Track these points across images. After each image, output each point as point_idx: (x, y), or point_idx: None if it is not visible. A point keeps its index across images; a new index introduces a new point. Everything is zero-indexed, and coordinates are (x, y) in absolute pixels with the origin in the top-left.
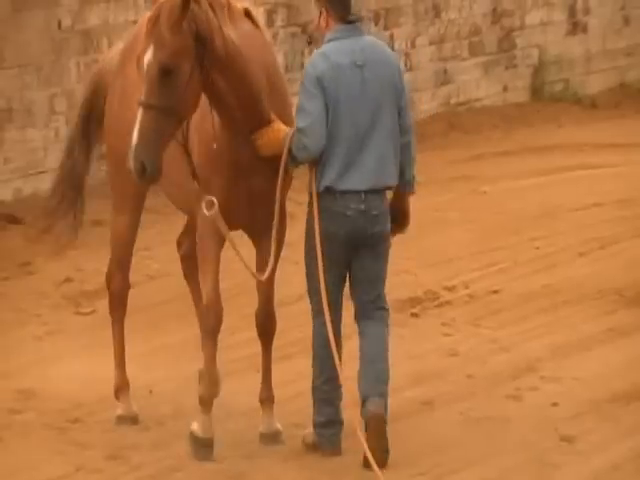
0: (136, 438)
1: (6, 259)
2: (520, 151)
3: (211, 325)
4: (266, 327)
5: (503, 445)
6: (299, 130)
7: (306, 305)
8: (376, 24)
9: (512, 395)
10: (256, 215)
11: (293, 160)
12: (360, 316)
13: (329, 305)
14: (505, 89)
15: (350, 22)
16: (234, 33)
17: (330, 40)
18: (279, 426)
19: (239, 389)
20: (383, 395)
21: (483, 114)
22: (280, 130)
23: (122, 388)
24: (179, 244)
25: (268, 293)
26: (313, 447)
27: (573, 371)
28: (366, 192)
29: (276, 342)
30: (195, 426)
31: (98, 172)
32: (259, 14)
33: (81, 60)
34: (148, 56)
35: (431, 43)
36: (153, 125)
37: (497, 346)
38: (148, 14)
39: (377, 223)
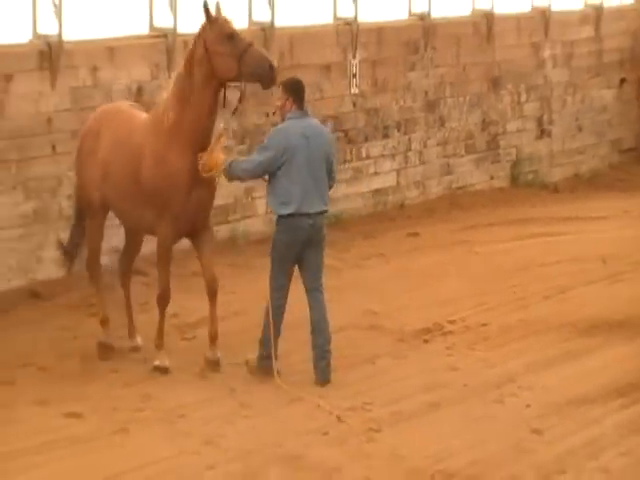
0: (225, 429)
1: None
2: (503, 223)
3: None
4: (212, 286)
5: (490, 436)
6: (259, 162)
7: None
8: (398, 130)
9: (497, 400)
10: (197, 222)
11: (229, 173)
12: (309, 291)
13: (283, 286)
14: (492, 178)
15: (303, 109)
16: None
17: (290, 118)
18: (220, 355)
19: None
20: (330, 351)
21: (476, 196)
22: (218, 157)
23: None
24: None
25: (210, 262)
26: (252, 370)
27: (541, 382)
28: (314, 214)
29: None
30: (157, 361)
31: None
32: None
33: None
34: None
35: (438, 144)
36: None
37: (486, 364)
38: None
39: (320, 232)
